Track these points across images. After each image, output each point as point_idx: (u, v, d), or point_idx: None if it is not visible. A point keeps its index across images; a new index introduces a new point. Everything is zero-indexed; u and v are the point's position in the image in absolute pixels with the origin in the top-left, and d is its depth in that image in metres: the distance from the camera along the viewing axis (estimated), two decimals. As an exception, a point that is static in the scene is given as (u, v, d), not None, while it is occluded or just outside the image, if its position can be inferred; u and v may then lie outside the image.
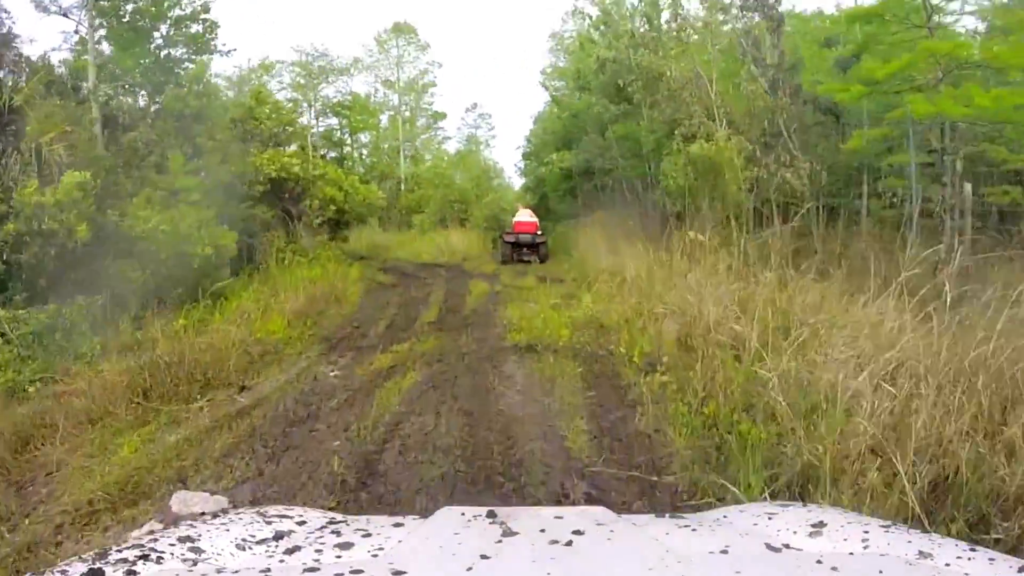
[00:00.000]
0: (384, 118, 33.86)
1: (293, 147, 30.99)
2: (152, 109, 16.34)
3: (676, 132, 10.78)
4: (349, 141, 34.13)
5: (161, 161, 13.76)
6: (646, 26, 15.05)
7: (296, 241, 15.22)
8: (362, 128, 33.39)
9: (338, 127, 34.09)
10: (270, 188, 14.68)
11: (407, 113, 33.45)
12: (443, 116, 34.60)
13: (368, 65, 32.82)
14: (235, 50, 18.85)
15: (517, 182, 29.53)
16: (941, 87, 9.25)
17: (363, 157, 32.64)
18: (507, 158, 58.47)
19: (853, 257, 8.71)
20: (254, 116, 16.40)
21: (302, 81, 32.67)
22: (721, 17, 11.29)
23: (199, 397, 6.76)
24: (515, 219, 17.92)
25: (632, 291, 8.72)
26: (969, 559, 1.15)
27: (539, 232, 17.28)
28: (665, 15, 14.89)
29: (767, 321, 5.83)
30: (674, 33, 11.34)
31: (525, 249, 16.91)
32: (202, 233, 10.50)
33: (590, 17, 19.33)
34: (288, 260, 14.30)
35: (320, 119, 34.06)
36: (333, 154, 33.83)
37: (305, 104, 32.93)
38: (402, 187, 29.32)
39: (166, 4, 17.00)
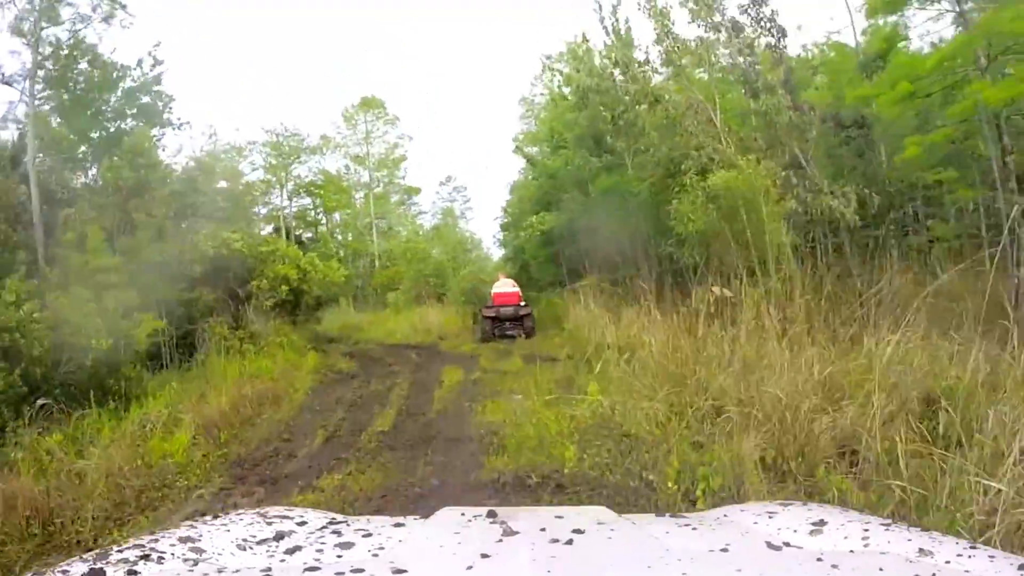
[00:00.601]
0: (359, 196, 31.98)
1: (269, 228, 29.38)
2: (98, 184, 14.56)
3: (684, 166, 8.61)
4: (324, 220, 32.18)
5: (82, 239, 11.66)
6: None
7: (245, 327, 12.80)
8: (335, 207, 31.45)
9: (312, 207, 32.23)
10: (211, 268, 12.33)
11: (379, 189, 31.56)
12: (417, 191, 32.81)
13: (338, 143, 31.09)
14: (188, 123, 16.82)
15: (496, 253, 27.59)
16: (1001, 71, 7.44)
17: (334, 236, 30.49)
18: (485, 230, 56.53)
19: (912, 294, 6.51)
20: (198, 188, 14.19)
21: (273, 161, 30.86)
22: (713, 36, 9.30)
23: (22, 569, 4.42)
24: (493, 290, 15.32)
25: (658, 376, 6.15)
26: (969, 557, 1.09)
27: (523, 303, 14.73)
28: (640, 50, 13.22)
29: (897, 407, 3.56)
30: (663, 56, 9.30)
31: (508, 324, 14.27)
32: (99, 322, 8.08)
33: (560, 73, 17.82)
34: (235, 349, 11.90)
35: (294, 199, 32.24)
36: (309, 234, 32.04)
37: (277, 184, 31.15)
38: (376, 264, 27.06)
39: (115, 75, 15.51)
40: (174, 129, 16.90)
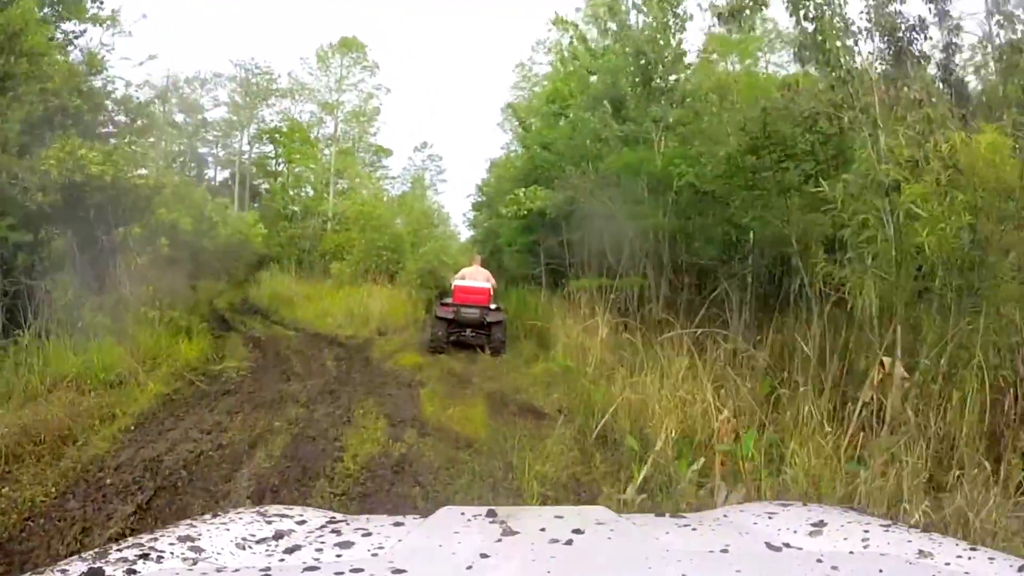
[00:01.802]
0: (326, 152, 27.52)
1: (226, 173, 24.86)
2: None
3: (850, 119, 4.67)
4: (285, 172, 27.65)
5: None
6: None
7: (109, 291, 8.76)
8: (298, 159, 26.95)
9: (273, 155, 27.79)
10: (64, 201, 8.20)
11: (347, 144, 27.21)
12: (388, 153, 28.41)
13: (308, 87, 26.64)
14: (115, 22, 12.55)
15: (465, 233, 23.75)
16: None
17: (287, 190, 26.16)
18: (455, 207, 51.96)
19: None
20: (78, 90, 9.94)
21: (239, 100, 26.37)
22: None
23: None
24: (456, 281, 10.78)
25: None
26: (969, 558, 1.03)
27: (493, 306, 10.19)
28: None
29: None
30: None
31: (469, 331, 9.95)
32: None
33: (575, 27, 14.04)
34: (86, 324, 7.85)
35: (255, 145, 27.79)
36: (267, 185, 27.72)
37: (239, 126, 26.69)
38: (328, 227, 22.74)
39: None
40: (99, 26, 12.79)
